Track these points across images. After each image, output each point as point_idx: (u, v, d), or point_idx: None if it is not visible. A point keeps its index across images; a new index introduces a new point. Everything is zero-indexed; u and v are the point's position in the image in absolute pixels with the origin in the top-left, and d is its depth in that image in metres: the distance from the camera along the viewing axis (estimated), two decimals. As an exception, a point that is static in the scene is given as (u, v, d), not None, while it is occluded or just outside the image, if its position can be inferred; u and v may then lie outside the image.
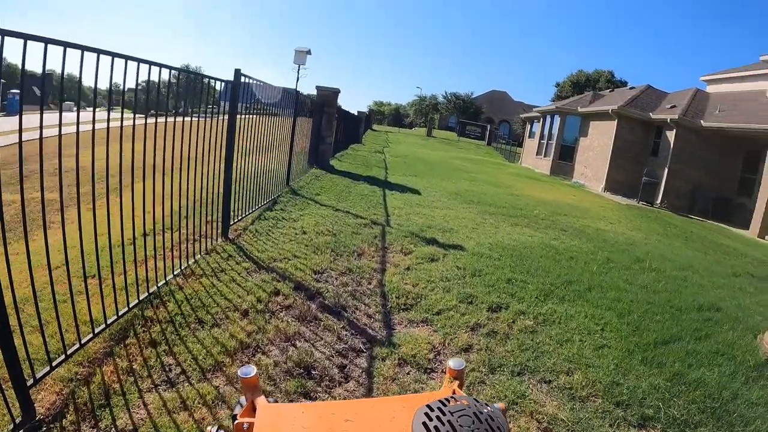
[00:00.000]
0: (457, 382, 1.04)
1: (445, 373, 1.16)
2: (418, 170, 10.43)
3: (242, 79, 3.26)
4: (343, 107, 13.53)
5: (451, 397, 0.70)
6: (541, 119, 18.33)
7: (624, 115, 13.65)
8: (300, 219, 4.35)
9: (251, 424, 0.92)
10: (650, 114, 13.45)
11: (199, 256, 2.97)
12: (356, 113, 18.54)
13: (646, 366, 2.36)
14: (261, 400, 1.03)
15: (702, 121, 12.08)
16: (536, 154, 18.43)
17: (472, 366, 2.18)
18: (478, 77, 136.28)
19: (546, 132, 17.69)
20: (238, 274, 2.85)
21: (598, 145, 14.88)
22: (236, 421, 0.92)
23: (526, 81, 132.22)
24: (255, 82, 3.61)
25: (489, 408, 0.67)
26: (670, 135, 12.51)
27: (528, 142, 21.25)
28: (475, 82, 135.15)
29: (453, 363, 1.06)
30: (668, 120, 12.46)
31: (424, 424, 0.64)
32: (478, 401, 0.69)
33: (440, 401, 0.69)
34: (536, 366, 2.22)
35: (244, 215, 3.93)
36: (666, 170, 12.47)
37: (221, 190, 3.35)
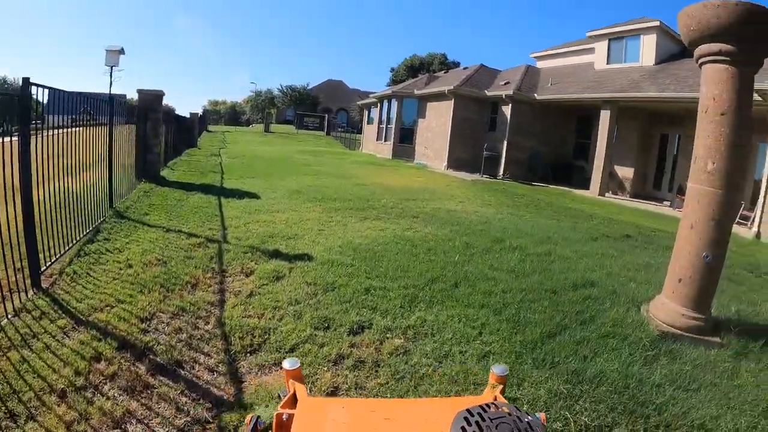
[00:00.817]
0: (500, 388, 1.66)
1: None
2: (257, 170, 14.40)
3: (34, 89, 4.42)
4: (176, 111, 21.58)
5: (492, 404, 1.10)
6: (379, 104, 28.39)
7: (460, 95, 21.54)
8: (126, 249, 5.57)
9: (291, 416, 1.47)
10: (485, 92, 21.90)
11: (5, 320, 3.66)
12: (189, 115, 27.07)
13: (538, 369, 3.34)
14: (302, 393, 1.62)
15: (536, 95, 20.66)
16: (377, 140, 28.32)
17: None
18: (313, 67, 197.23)
19: (384, 117, 27.48)
20: (54, 337, 3.50)
21: (436, 125, 23.03)
22: (276, 412, 1.47)
23: (361, 68, 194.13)
24: (50, 90, 4.87)
25: (530, 418, 1.04)
26: (506, 110, 20.76)
27: (367, 128, 32.62)
28: (311, 72, 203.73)
29: (496, 369, 1.69)
30: (503, 96, 20.59)
31: (463, 428, 1.01)
32: (519, 410, 1.06)
33: (481, 407, 1.08)
34: (419, 396, 2.93)
35: (59, 254, 4.98)
36: (505, 143, 20.57)
37: (23, 227, 4.24)
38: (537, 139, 21.56)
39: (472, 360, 3.42)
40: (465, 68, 28.87)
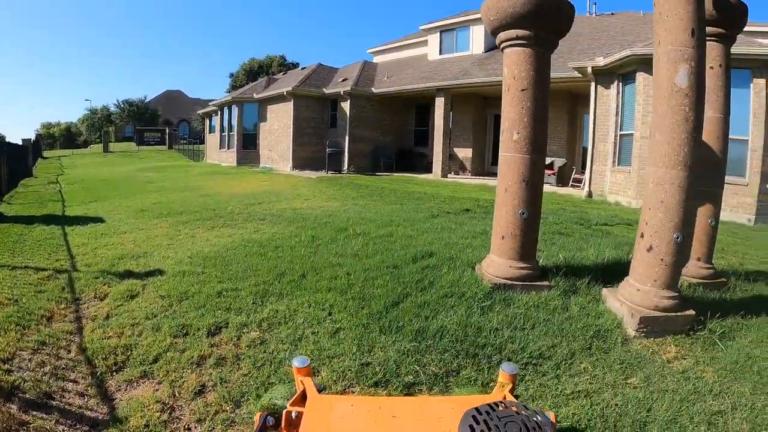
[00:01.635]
0: (509, 387, 1.84)
1: None
2: (99, 194, 14.90)
3: None
4: (6, 138, 22.53)
5: (501, 402, 1.23)
6: (220, 112, 29.92)
7: (299, 95, 23.06)
8: (-28, 294, 5.37)
9: (300, 414, 1.67)
10: (324, 90, 23.61)
11: None
12: (21, 142, 28.29)
13: (386, 335, 3.90)
14: (312, 390, 1.82)
15: (373, 89, 22.86)
16: (220, 148, 29.96)
17: (215, 408, 3.12)
18: (152, 79, 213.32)
19: (226, 124, 29.04)
20: None
21: (279, 128, 24.46)
22: (285, 410, 1.65)
23: (200, 76, 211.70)
24: None
25: (538, 417, 1.16)
26: (346, 106, 22.57)
27: (210, 137, 34.21)
28: (149, 84, 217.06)
29: (506, 367, 1.90)
30: (342, 92, 22.34)
31: (471, 427, 1.13)
32: (528, 408, 1.20)
33: (489, 405, 1.21)
34: (281, 380, 3.31)
35: None
36: (347, 138, 22.38)
37: None
38: (378, 130, 23.79)
39: (324, 338, 3.92)
40: (303, 68, 30.87)
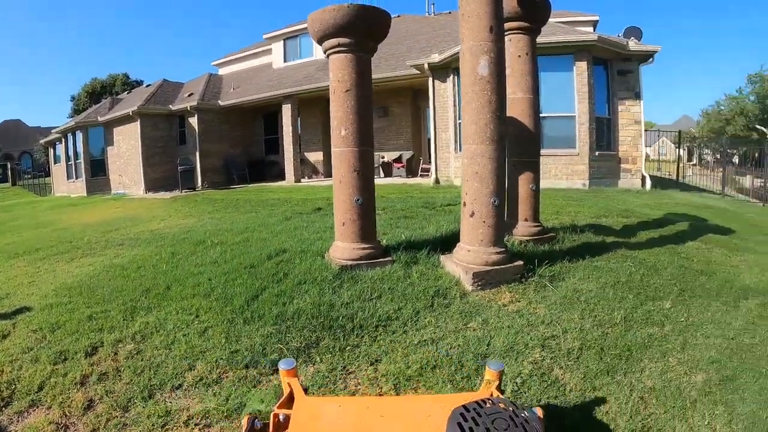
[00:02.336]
0: (496, 384, 1.94)
1: None
2: None
3: None
4: None
5: (489, 399, 1.34)
6: (63, 140, 28.58)
7: (145, 114, 22.92)
8: None
9: (288, 416, 1.80)
10: (171, 106, 23.48)
11: None
12: None
13: (250, 324, 4.45)
14: (299, 392, 1.94)
15: (220, 102, 23.22)
16: (68, 179, 28.48)
17: (105, 417, 3.46)
18: None
19: (71, 152, 27.71)
20: None
21: (127, 150, 24.20)
22: (273, 412, 1.76)
23: (38, 102, 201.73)
24: None
25: (526, 413, 1.27)
26: (194, 121, 22.66)
27: (55, 168, 32.69)
28: None
29: (492, 364, 2.01)
30: (189, 108, 22.41)
31: (459, 424, 1.23)
32: (515, 405, 1.31)
33: (477, 402, 1.30)
34: (162, 381, 3.79)
35: None
36: (198, 154, 22.53)
37: None
38: (228, 143, 24.24)
39: (195, 337, 4.38)
40: (148, 86, 30.18)
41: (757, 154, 22.75)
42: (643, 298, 5.36)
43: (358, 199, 5.65)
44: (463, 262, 5.34)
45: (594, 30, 19.00)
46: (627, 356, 4.30)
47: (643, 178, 15.23)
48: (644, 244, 7.30)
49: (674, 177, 21.67)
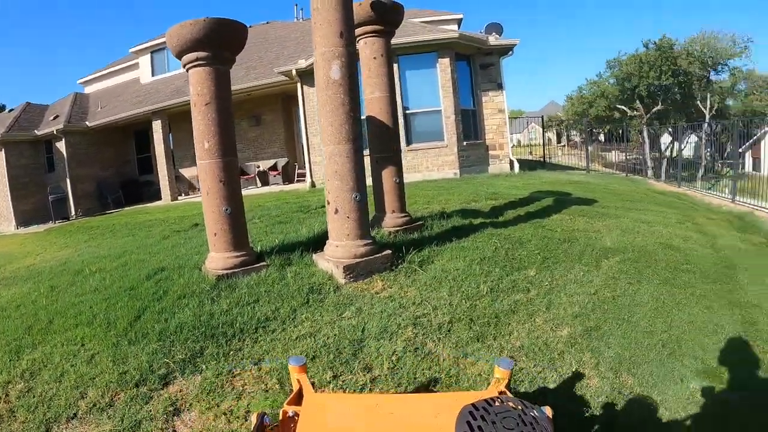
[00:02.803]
0: (505, 382, 1.96)
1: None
2: None
3: None
4: None
5: (498, 398, 1.33)
6: None
7: (10, 142, 21.04)
8: None
9: (297, 412, 1.85)
10: (36, 132, 21.88)
11: None
12: None
13: (135, 344, 4.54)
14: (308, 389, 1.97)
15: (88, 123, 21.96)
16: None
17: None
18: None
19: None
20: None
21: None
22: (282, 409, 1.81)
23: None
24: None
25: (535, 412, 1.26)
26: (61, 145, 21.28)
27: None
28: None
29: (501, 363, 2.00)
30: (55, 131, 21.02)
31: (468, 423, 1.22)
32: (525, 403, 1.29)
33: (486, 401, 1.30)
34: (56, 413, 3.81)
35: None
36: (68, 180, 21.09)
37: None
38: (100, 166, 22.89)
39: (83, 366, 4.42)
40: (11, 110, 27.44)
41: (620, 131, 24.68)
42: (509, 269, 5.93)
43: (227, 209, 5.83)
44: (333, 258, 5.67)
45: (459, 27, 20.07)
46: (495, 323, 4.80)
47: (512, 163, 16.35)
48: (510, 222, 7.92)
49: (547, 159, 23.06)
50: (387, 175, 7.07)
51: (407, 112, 14.96)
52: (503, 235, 7.07)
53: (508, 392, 1.93)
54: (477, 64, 16.19)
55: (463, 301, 5.14)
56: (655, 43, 37.24)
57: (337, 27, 5.48)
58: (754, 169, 40.07)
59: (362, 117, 6.32)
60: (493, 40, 16.13)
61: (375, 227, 7.00)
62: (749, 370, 4.53)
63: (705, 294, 5.85)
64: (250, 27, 25.15)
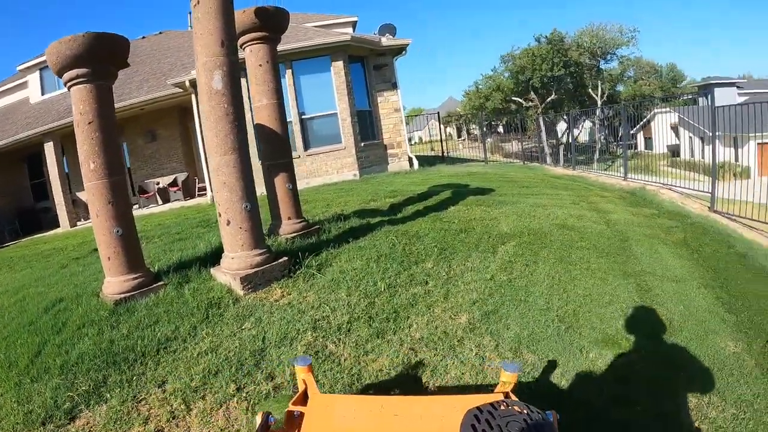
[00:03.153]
0: (511, 386, 1.97)
1: None
2: None
3: None
4: None
5: (503, 402, 1.33)
6: None
7: None
8: None
9: (302, 413, 1.83)
10: None
11: None
12: None
13: (37, 381, 4.37)
14: (313, 389, 1.96)
15: None
16: None
17: None
18: None
19: None
20: None
21: None
22: (287, 409, 1.80)
23: None
24: None
25: (540, 416, 1.27)
26: None
27: None
28: None
29: (507, 366, 2.01)
30: None
31: (473, 426, 1.23)
32: (530, 407, 1.29)
33: (491, 404, 1.30)
34: None
35: None
36: None
37: None
38: None
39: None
40: None
41: (518, 122, 25.66)
42: (406, 264, 6.13)
43: (118, 231, 5.73)
44: (230, 270, 5.69)
45: (354, 30, 20.29)
46: (395, 317, 4.99)
47: (411, 160, 16.71)
48: (409, 218, 8.13)
49: (444, 153, 23.60)
50: (280, 182, 7.13)
51: (304, 117, 15.01)
52: (401, 231, 7.28)
53: (514, 396, 1.96)
54: (371, 65, 16.48)
55: (362, 299, 5.30)
56: (546, 36, 39.54)
57: (218, 36, 5.47)
58: (646, 147, 42.89)
59: (255, 124, 6.44)
60: (386, 41, 16.43)
61: (272, 235, 7.06)
62: (645, 333, 4.94)
63: (600, 267, 6.26)
64: (143, 38, 24.34)
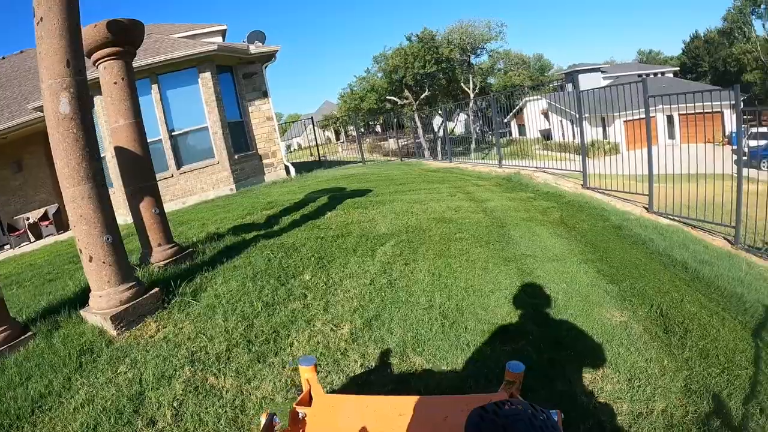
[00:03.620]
0: (515, 385, 1.96)
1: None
2: None
3: None
4: None
5: (508, 401, 1.30)
6: None
7: None
8: None
9: (306, 414, 1.83)
10: None
11: None
12: None
13: None
14: (318, 389, 1.96)
15: None
16: None
17: None
18: None
19: None
20: None
21: None
22: (292, 410, 1.80)
23: None
24: None
25: (545, 415, 1.25)
26: None
27: None
28: None
29: (511, 366, 2.01)
30: None
31: (478, 426, 1.22)
32: (534, 407, 1.28)
33: (496, 404, 1.28)
34: None
35: None
36: None
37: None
38: None
39: None
40: None
41: (395, 120, 25.99)
42: (283, 279, 5.95)
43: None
44: (100, 310, 5.24)
45: (224, 39, 19.64)
46: (275, 338, 4.79)
47: (287, 168, 16.55)
48: (285, 229, 7.96)
49: (324, 158, 23.62)
50: (145, 207, 6.69)
51: (174, 133, 14.34)
52: (277, 245, 7.11)
53: (518, 395, 1.97)
54: (240, 74, 16.07)
55: (240, 323, 5.06)
56: (417, 35, 40.30)
57: (63, 55, 5.00)
58: (520, 134, 45.06)
59: (114, 146, 5.92)
60: (254, 48, 16.08)
61: (143, 264, 6.62)
62: (531, 317, 5.03)
63: (480, 257, 6.35)
64: (2, 59, 22.52)
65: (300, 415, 1.99)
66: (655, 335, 4.70)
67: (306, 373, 2.19)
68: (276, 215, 9.19)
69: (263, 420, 1.91)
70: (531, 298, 5.35)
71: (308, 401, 2.07)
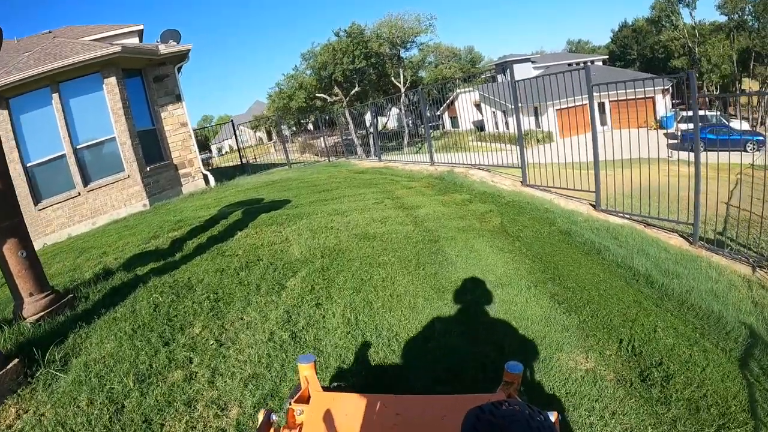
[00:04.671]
0: (513, 386, 1.93)
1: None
2: None
3: None
4: None
5: (505, 401, 1.25)
6: None
7: None
8: None
9: (303, 411, 1.93)
10: None
11: None
12: None
13: None
14: (316, 387, 2.09)
15: None
16: None
17: None
18: None
19: None
20: None
21: None
22: (289, 407, 1.95)
23: None
24: None
25: (542, 416, 1.21)
26: None
27: None
28: None
29: (509, 366, 1.96)
30: None
31: (474, 426, 1.18)
32: (531, 408, 1.23)
33: (492, 404, 1.24)
34: None
35: None
36: None
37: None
38: None
39: None
40: None
41: (326, 117, 25.19)
42: (168, 335, 4.83)
43: None
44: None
45: (141, 40, 18.09)
46: (145, 430, 3.70)
47: (206, 177, 15.46)
48: (188, 257, 6.96)
49: (249, 162, 22.75)
50: (9, 251, 5.34)
51: (79, 147, 12.90)
52: (170, 283, 5.96)
53: (516, 396, 1.93)
54: (151, 77, 14.73)
55: (105, 408, 3.87)
56: (345, 30, 40.15)
57: None
58: (453, 126, 45.09)
59: None
60: (164, 48, 14.69)
61: (16, 320, 5.32)
62: (475, 377, 4.13)
63: (408, 289, 5.52)
64: None
65: (298, 412, 1.96)
66: (630, 387, 3.97)
67: (305, 370, 2.16)
68: (182, 238, 8.08)
69: (260, 418, 1.88)
70: (474, 346, 4.46)
71: (306, 399, 2.05)
